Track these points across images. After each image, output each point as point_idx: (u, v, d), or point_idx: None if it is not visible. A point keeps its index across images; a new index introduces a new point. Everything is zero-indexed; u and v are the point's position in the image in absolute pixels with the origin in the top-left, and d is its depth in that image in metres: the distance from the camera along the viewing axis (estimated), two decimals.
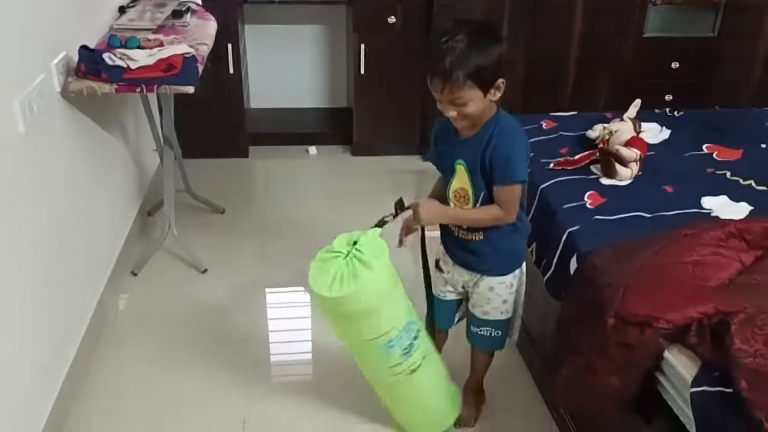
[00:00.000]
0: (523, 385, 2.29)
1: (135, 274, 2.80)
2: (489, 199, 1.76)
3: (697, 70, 3.83)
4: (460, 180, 1.78)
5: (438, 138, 1.85)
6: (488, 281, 1.89)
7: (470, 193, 1.77)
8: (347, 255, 1.70)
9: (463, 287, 1.96)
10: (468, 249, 1.86)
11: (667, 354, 1.50)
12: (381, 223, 1.79)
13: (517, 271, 1.91)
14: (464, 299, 2.02)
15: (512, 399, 2.24)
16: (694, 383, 1.40)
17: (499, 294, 1.91)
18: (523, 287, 1.96)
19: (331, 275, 1.68)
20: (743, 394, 1.28)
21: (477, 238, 1.83)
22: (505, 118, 1.74)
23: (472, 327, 2.01)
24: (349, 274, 1.68)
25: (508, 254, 1.88)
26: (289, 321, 2.69)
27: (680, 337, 1.49)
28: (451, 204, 1.83)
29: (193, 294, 2.72)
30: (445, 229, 1.91)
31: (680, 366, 1.46)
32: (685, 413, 1.44)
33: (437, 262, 2.00)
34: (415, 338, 1.85)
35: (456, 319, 2.07)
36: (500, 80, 1.66)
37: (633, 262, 1.69)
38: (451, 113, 1.67)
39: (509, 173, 1.71)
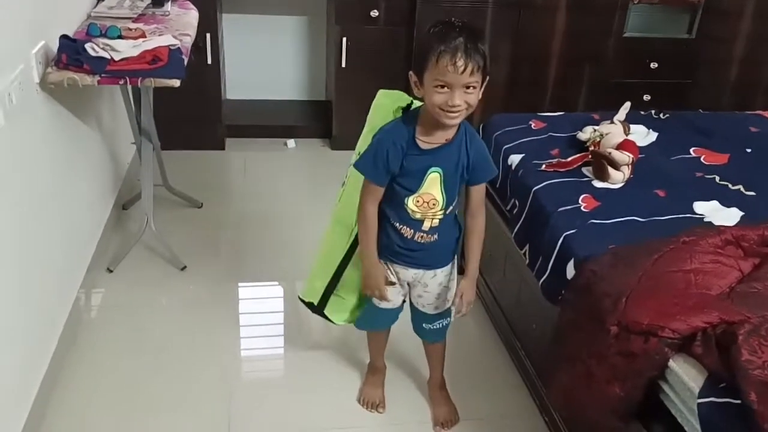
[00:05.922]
0: (511, 387, 2.28)
1: (111, 271, 2.70)
2: (454, 203, 1.80)
3: (674, 70, 3.87)
4: (430, 187, 1.75)
5: (390, 157, 1.71)
6: (438, 277, 1.93)
7: (440, 198, 1.76)
8: None
9: (408, 284, 1.96)
10: (424, 249, 1.86)
11: (671, 363, 1.49)
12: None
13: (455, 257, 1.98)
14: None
15: (501, 402, 2.22)
16: (701, 394, 1.39)
17: (447, 287, 1.96)
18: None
19: None
20: (753, 407, 1.28)
21: (433, 239, 1.84)
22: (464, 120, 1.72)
23: (424, 325, 2.04)
24: None
25: (454, 244, 1.93)
26: (263, 315, 2.63)
27: (685, 347, 1.49)
28: (408, 212, 1.78)
29: (171, 291, 2.64)
30: (394, 238, 1.84)
31: (686, 376, 1.46)
32: (690, 422, 1.44)
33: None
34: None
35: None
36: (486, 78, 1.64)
37: (634, 269, 1.68)
38: (458, 101, 1.58)
39: (491, 170, 1.82)
